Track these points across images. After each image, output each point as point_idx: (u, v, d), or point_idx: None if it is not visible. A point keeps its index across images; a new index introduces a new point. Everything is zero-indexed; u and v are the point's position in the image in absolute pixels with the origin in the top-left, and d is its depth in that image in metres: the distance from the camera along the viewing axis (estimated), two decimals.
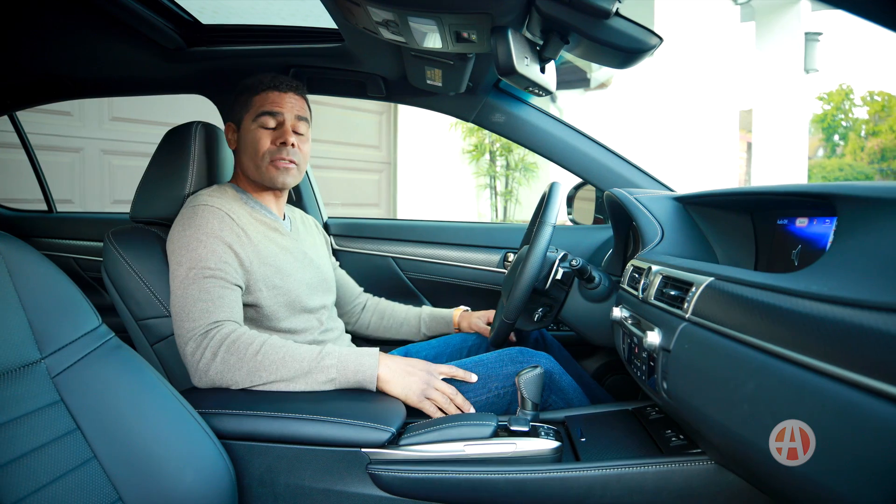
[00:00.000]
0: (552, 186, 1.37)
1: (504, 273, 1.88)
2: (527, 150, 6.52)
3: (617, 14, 0.94)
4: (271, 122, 1.31)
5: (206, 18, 1.47)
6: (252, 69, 1.61)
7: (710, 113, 7.11)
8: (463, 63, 1.31)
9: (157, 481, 0.86)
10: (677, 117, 6.83)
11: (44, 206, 2.47)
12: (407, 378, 1.14)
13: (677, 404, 0.83)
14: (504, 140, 6.48)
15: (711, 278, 0.82)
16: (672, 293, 0.91)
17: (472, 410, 1.16)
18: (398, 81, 1.61)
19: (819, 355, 0.55)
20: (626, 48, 0.98)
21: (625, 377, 1.76)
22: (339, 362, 1.11)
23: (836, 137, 29.88)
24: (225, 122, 1.77)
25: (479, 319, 1.64)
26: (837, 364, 0.53)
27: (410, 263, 1.94)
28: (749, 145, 9.53)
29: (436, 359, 1.60)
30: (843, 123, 29.89)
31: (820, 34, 8.55)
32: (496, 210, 6.80)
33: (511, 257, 1.89)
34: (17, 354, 0.82)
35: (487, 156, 6.70)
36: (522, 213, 6.79)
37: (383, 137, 6.01)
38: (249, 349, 1.08)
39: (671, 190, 1.67)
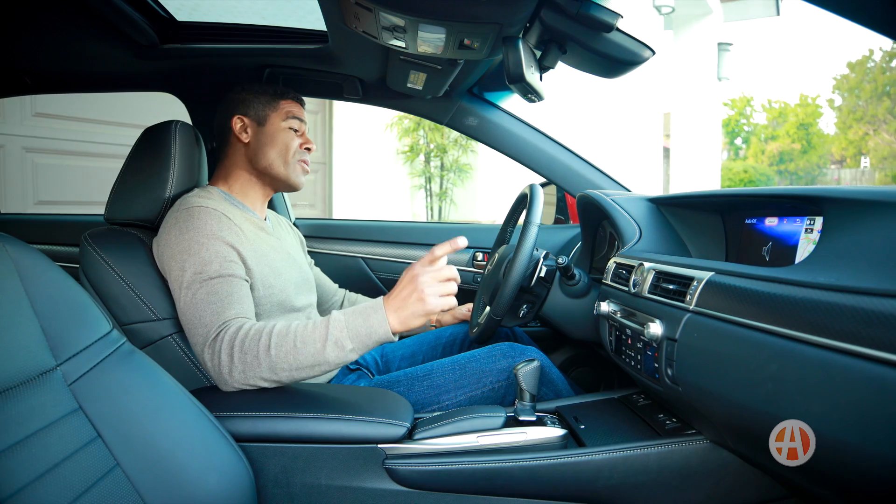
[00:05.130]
0: (532, 188, 1.43)
1: (475, 272, 1.93)
2: (461, 152, 6.64)
3: (616, 27, 1.01)
4: (297, 128, 1.40)
5: (183, 16, 1.43)
6: (227, 68, 1.59)
7: (636, 117, 7.46)
8: (451, 68, 1.35)
9: (180, 487, 0.85)
10: (604, 121, 7.12)
11: None
12: (413, 315, 1.02)
13: (684, 388, 0.90)
14: (438, 141, 6.55)
15: (711, 273, 0.90)
16: (670, 287, 0.99)
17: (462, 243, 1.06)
18: (375, 83, 1.63)
19: (838, 337, 0.63)
20: (622, 59, 1.06)
21: (588, 370, 1.85)
22: (350, 333, 1.02)
23: (739, 141, 31.99)
24: (194, 121, 1.74)
25: (459, 308, 1.70)
26: (858, 343, 0.61)
27: (380, 263, 1.96)
28: (665, 150, 10.05)
29: (412, 357, 1.63)
30: (746, 128, 32.05)
31: (731, 44, 9.14)
32: (431, 210, 6.86)
33: (480, 256, 1.95)
34: (33, 362, 0.79)
35: (422, 157, 6.73)
36: (457, 214, 6.87)
37: (318, 137, 5.93)
38: (260, 345, 1.03)
39: (629, 191, 1.78)
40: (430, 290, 1.01)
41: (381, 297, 1.06)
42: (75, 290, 0.88)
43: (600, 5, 0.96)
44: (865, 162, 26.95)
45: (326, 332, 1.02)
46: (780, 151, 28.67)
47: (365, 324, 1.02)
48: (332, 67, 1.56)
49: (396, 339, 1.03)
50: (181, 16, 1.44)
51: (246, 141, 1.37)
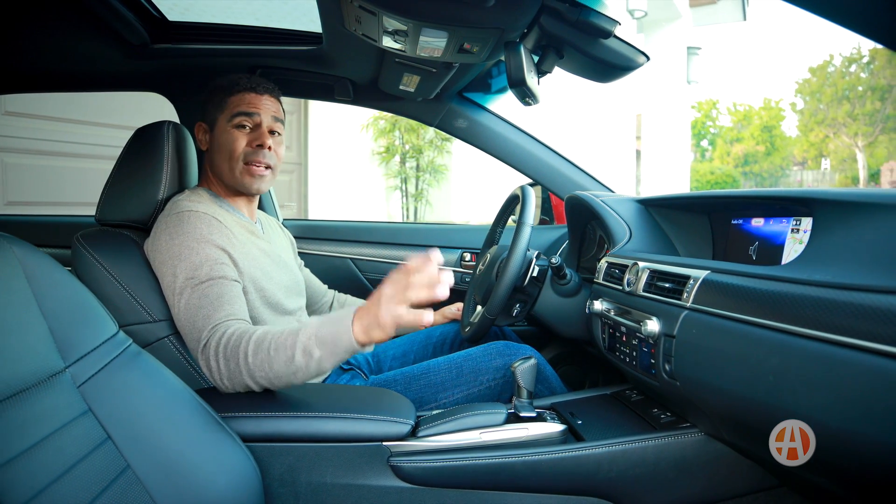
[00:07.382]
0: (524, 190, 1.46)
1: (463, 272, 1.95)
2: (436, 153, 6.66)
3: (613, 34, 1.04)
4: (248, 123, 1.29)
5: (175, 16, 1.43)
6: (218, 69, 1.58)
7: (610, 119, 7.56)
8: (446, 71, 1.37)
9: (190, 487, 0.85)
10: (579, 122, 7.21)
11: None
12: (370, 326, 0.95)
13: (682, 383, 0.94)
14: (414, 142, 6.56)
15: (707, 271, 0.94)
16: (666, 286, 1.02)
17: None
18: (367, 85, 1.64)
19: (837, 331, 0.66)
20: (617, 65, 1.09)
21: (574, 367, 1.89)
22: (317, 340, 0.97)
23: (705, 143, 32.68)
24: (183, 121, 1.73)
25: (449, 308, 1.72)
26: (856, 337, 0.64)
27: (368, 264, 1.96)
28: (636, 151, 10.21)
29: (404, 356, 1.64)
30: (712, 130, 32.75)
31: (699, 48, 9.33)
32: (407, 211, 6.86)
33: (468, 257, 1.97)
34: (43, 364, 0.79)
35: (398, 157, 6.73)
36: (432, 215, 6.88)
37: (294, 138, 5.90)
38: (240, 352, 1.01)
39: (612, 192, 1.82)
40: (387, 303, 0.93)
41: (352, 310, 0.99)
42: (82, 292, 0.88)
43: (599, 13, 0.99)
44: (826, 164, 27.79)
45: (296, 340, 0.98)
46: (744, 153, 29.40)
47: (332, 332, 0.97)
48: (325, 69, 1.57)
49: (366, 350, 0.97)
50: (173, 16, 1.43)
51: (205, 149, 1.35)
